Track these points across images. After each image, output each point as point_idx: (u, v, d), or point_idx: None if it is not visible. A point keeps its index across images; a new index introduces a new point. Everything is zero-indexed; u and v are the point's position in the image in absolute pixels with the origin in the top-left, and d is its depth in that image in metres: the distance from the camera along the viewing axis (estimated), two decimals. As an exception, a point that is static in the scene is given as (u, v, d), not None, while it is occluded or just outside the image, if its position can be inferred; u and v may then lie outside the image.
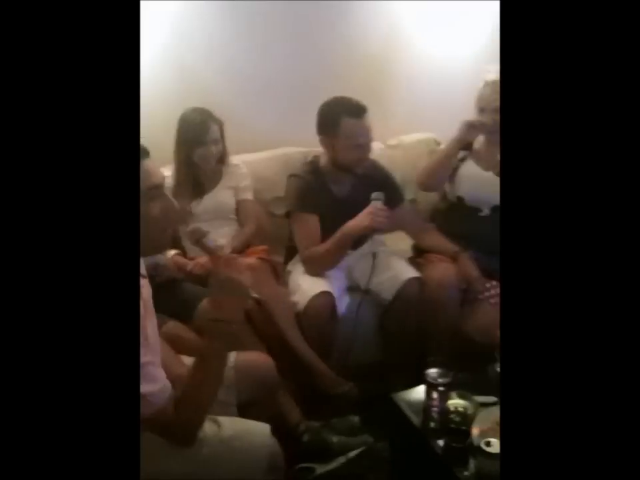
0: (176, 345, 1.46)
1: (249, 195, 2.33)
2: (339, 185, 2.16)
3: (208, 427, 1.15)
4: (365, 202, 1.96)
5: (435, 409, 1.44)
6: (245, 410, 1.40)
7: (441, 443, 1.37)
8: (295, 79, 2.57)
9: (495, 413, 1.35)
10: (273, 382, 1.55)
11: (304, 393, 1.87)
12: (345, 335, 2.02)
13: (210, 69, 2.45)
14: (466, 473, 1.28)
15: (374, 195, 1.93)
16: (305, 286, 2.01)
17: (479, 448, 1.28)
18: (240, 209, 2.32)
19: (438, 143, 2.66)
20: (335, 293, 1.99)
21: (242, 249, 2.21)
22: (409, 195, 2.60)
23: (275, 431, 1.26)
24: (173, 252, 2.04)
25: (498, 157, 2.01)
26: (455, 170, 2.23)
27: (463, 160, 2.23)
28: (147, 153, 1.14)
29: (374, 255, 1.92)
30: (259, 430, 1.23)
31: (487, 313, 2.01)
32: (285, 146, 2.55)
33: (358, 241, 2.15)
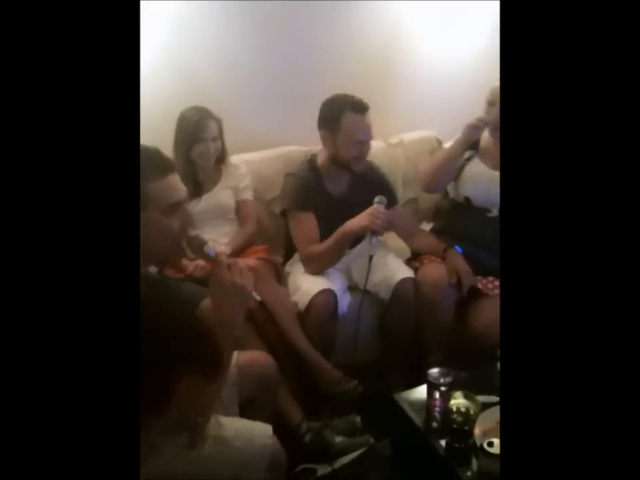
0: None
1: (248, 195, 2.33)
2: (335, 184, 2.16)
3: (210, 427, 1.15)
4: (361, 202, 1.97)
5: (437, 408, 1.44)
6: (247, 409, 1.40)
7: (443, 443, 1.37)
8: (296, 78, 2.56)
9: (497, 413, 1.35)
10: (274, 381, 1.55)
11: (305, 392, 1.86)
12: (345, 335, 2.02)
13: (210, 68, 2.44)
14: (468, 474, 1.27)
15: (377, 198, 1.93)
16: (305, 286, 2.00)
17: (481, 448, 1.28)
18: (240, 208, 2.31)
19: (439, 142, 2.65)
20: (335, 292, 1.99)
21: (242, 248, 2.20)
22: (409, 194, 2.61)
23: (276, 431, 1.25)
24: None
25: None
26: (461, 169, 2.21)
27: (469, 159, 2.21)
28: (171, 168, 1.16)
29: (370, 255, 1.91)
30: (261, 430, 1.23)
31: (495, 309, 2.00)
32: (286, 145, 2.54)
33: (355, 240, 2.15)
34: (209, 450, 1.12)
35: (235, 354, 1.41)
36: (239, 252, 2.17)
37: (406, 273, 2.10)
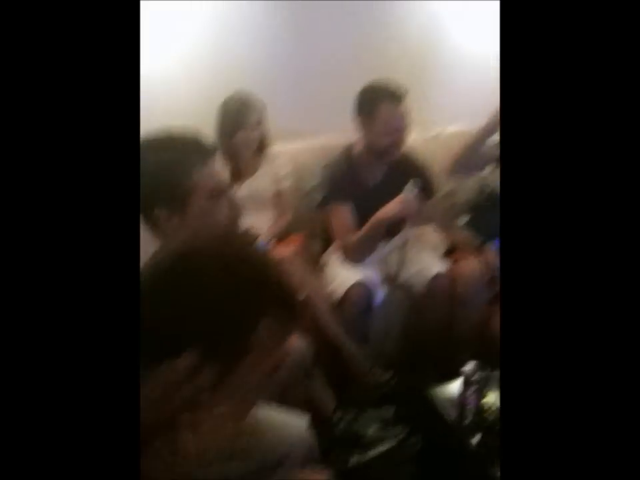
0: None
1: (287, 184, 2.34)
2: (371, 174, 2.16)
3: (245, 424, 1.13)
4: (397, 192, 1.96)
5: (470, 405, 1.45)
6: (280, 394, 1.42)
7: (475, 440, 1.38)
8: (336, 67, 2.56)
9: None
10: (308, 365, 1.57)
11: (339, 382, 1.89)
12: (379, 326, 2.04)
13: (250, 56, 2.45)
14: (499, 474, 1.28)
15: (409, 184, 1.93)
16: (341, 276, 2.02)
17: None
18: (278, 197, 2.33)
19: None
20: (370, 284, 2.00)
21: (279, 237, 2.23)
22: (445, 187, 2.60)
23: (310, 423, 1.27)
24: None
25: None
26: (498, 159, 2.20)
27: None
28: (213, 152, 1.17)
29: (405, 248, 1.92)
30: (297, 424, 1.24)
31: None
32: (326, 134, 2.54)
33: (391, 232, 2.15)
34: (245, 441, 1.09)
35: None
36: (276, 241, 2.20)
37: (440, 267, 2.10)
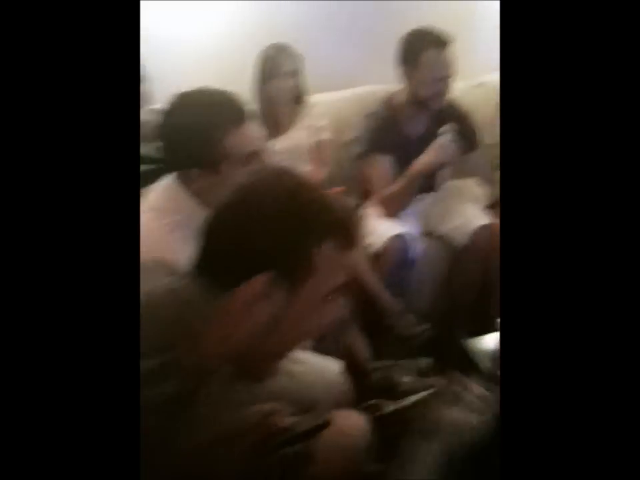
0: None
1: (326, 135, 2.31)
2: (413, 124, 2.12)
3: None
4: None
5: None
6: (319, 343, 1.44)
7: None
8: (376, 14, 2.50)
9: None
10: (345, 314, 1.58)
11: (376, 333, 1.90)
12: (417, 279, 2.03)
13: (289, 5, 2.41)
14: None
15: (441, 129, 1.89)
16: (380, 229, 2.01)
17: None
18: (316, 149, 2.30)
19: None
20: (409, 237, 1.99)
21: (318, 189, 2.22)
22: (489, 139, 2.52)
23: (344, 369, 1.29)
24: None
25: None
26: None
27: None
28: (249, 116, 1.17)
29: (446, 201, 1.89)
30: (331, 367, 1.26)
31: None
32: (366, 84, 2.49)
33: (432, 185, 2.12)
34: (276, 384, 1.11)
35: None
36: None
37: (484, 219, 2.06)
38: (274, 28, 2.32)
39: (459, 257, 2.10)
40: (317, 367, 1.24)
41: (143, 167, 1.96)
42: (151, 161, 1.99)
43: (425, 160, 1.93)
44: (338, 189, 2.20)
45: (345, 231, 0.78)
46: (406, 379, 1.68)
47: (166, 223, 1.17)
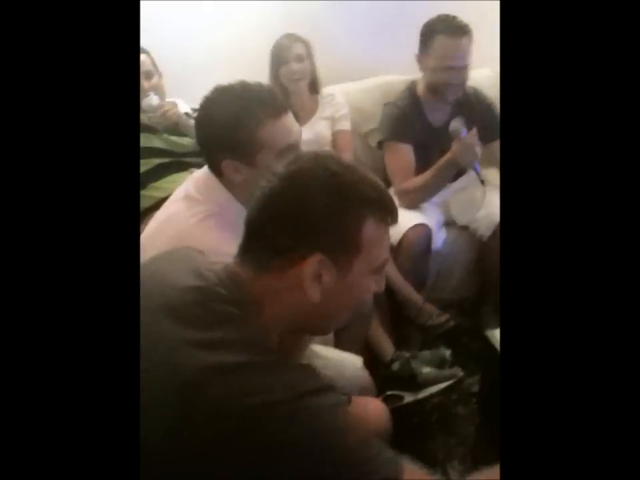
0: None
1: (345, 125, 2.29)
2: (436, 113, 2.08)
3: (304, 355, 1.15)
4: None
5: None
6: (340, 336, 1.44)
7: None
8: (397, 3, 2.46)
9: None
10: (367, 308, 1.58)
11: (396, 324, 1.90)
12: (439, 270, 2.01)
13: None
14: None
15: (452, 123, 1.87)
16: (400, 219, 1.99)
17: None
18: (336, 139, 2.29)
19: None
20: (431, 227, 1.97)
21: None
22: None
23: (365, 360, 1.29)
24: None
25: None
26: None
27: None
28: (285, 109, 1.17)
29: (469, 191, 1.86)
30: (352, 362, 1.26)
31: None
32: (385, 74, 2.46)
33: (455, 174, 2.09)
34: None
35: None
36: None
37: None
38: (291, 19, 2.32)
39: (482, 248, 2.07)
40: (338, 362, 1.24)
41: (156, 160, 2.00)
42: (164, 153, 2.03)
43: (451, 157, 1.89)
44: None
45: (385, 207, 0.81)
46: (426, 370, 1.68)
47: (197, 212, 1.18)
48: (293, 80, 2.17)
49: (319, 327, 0.88)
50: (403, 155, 2.05)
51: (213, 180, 1.22)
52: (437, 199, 2.10)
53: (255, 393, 0.66)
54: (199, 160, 1.78)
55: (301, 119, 2.23)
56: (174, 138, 2.05)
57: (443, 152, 1.93)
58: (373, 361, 1.48)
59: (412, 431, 1.55)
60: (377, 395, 1.46)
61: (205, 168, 1.26)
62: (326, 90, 2.30)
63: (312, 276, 0.75)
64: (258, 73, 1.97)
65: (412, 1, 2.39)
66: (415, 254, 1.92)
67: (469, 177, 2.12)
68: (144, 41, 1.93)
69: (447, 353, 1.75)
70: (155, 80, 2.02)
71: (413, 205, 2.03)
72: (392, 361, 1.72)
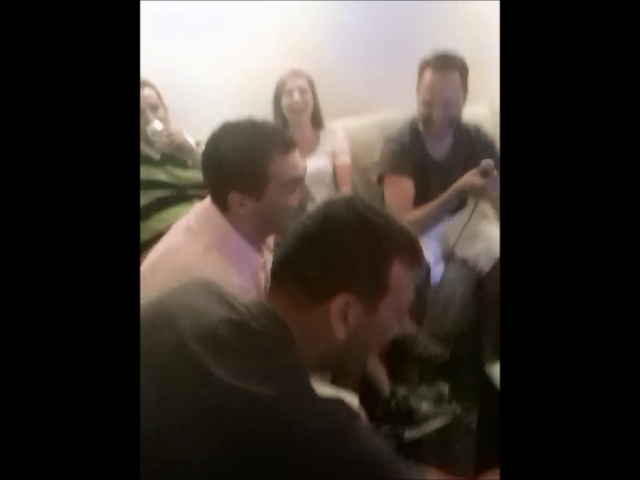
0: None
1: (346, 159, 2.33)
2: (437, 147, 2.09)
3: None
4: (464, 165, 1.91)
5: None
6: (336, 375, 1.43)
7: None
8: (395, 40, 2.52)
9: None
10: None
11: (393, 357, 1.89)
12: (438, 303, 2.01)
13: (310, 31, 2.46)
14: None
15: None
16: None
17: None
18: (337, 173, 2.33)
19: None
20: (429, 260, 1.97)
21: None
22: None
23: (362, 395, 1.28)
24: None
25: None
26: None
27: None
28: (293, 144, 1.21)
29: (469, 224, 1.86)
30: (349, 397, 1.25)
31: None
32: (385, 110, 2.51)
33: (455, 208, 2.11)
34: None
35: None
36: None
37: None
38: (294, 54, 2.37)
39: (482, 281, 2.07)
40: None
41: (158, 193, 2.02)
42: (167, 186, 2.05)
43: (457, 186, 1.89)
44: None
45: (413, 251, 0.84)
46: (424, 406, 1.66)
47: (200, 243, 1.20)
48: (294, 111, 2.21)
49: (344, 366, 0.92)
50: (402, 188, 2.05)
51: (215, 212, 1.24)
52: (435, 232, 2.11)
53: (289, 425, 0.68)
54: (201, 193, 1.80)
55: (303, 152, 2.25)
56: (177, 171, 2.07)
57: (444, 185, 1.94)
58: (369, 394, 1.46)
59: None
60: (375, 431, 1.45)
61: (207, 200, 1.29)
62: (327, 124, 2.33)
63: (339, 314, 0.77)
64: (261, 108, 2.01)
65: (413, 38, 2.46)
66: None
67: (469, 210, 2.13)
68: (150, 76, 2.00)
69: (445, 388, 1.74)
70: (160, 113, 2.05)
71: (419, 235, 2.02)
72: (390, 398, 1.71)
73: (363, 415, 1.25)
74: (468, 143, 2.08)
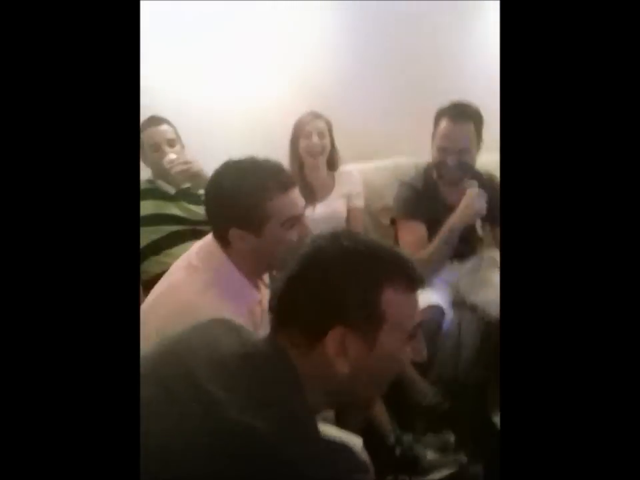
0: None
1: (360, 203, 2.35)
2: (452, 193, 2.11)
3: None
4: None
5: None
6: (340, 415, 1.41)
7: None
8: (410, 89, 2.58)
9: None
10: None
11: (399, 405, 1.85)
12: (447, 351, 1.98)
13: (326, 79, 2.52)
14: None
15: (467, 182, 1.90)
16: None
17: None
18: (350, 216, 2.34)
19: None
20: (443, 308, 1.95)
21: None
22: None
23: (366, 440, 1.26)
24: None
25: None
26: None
27: None
28: (293, 183, 1.24)
29: (480, 271, 1.85)
30: (352, 442, 1.23)
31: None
32: (397, 156, 2.55)
33: (465, 253, 2.10)
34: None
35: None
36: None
37: None
38: (310, 97, 2.42)
39: (492, 329, 2.05)
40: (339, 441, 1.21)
41: (171, 228, 2.03)
42: (180, 221, 2.06)
43: (455, 218, 1.91)
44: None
45: (405, 274, 0.82)
46: (429, 455, 1.63)
47: (197, 281, 1.22)
48: (312, 154, 2.22)
49: (351, 402, 0.91)
50: (416, 231, 2.05)
51: (216, 249, 1.27)
52: (447, 277, 2.10)
53: (291, 464, 0.68)
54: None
55: (319, 195, 2.28)
56: (191, 206, 2.10)
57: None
58: (373, 439, 1.44)
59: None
60: (378, 478, 1.41)
61: (209, 237, 1.32)
62: (343, 167, 2.35)
63: (337, 349, 0.77)
64: (277, 149, 2.03)
65: (430, 87, 2.50)
66: (426, 334, 1.89)
67: (479, 257, 2.13)
68: (168, 114, 2.05)
69: (451, 437, 1.71)
70: (177, 148, 2.09)
71: (428, 277, 2.01)
72: (395, 444, 1.67)
73: (367, 459, 1.23)
74: (482, 189, 2.09)
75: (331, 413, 1.38)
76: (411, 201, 2.08)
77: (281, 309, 0.83)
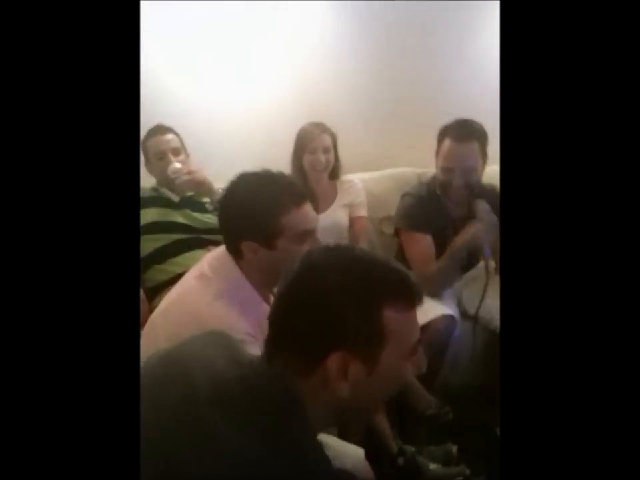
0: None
1: (363, 212, 2.35)
2: (456, 206, 2.11)
3: None
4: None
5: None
6: (342, 426, 1.41)
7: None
8: (414, 102, 2.58)
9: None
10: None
11: (401, 416, 1.85)
12: (451, 361, 1.98)
13: (330, 89, 2.53)
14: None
15: (476, 203, 1.90)
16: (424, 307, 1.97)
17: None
18: (353, 225, 2.34)
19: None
20: (455, 318, 1.94)
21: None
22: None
23: (369, 452, 1.25)
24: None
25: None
26: None
27: None
28: (304, 198, 1.25)
29: (486, 281, 1.85)
30: (353, 453, 1.22)
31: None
32: (400, 166, 2.55)
33: (469, 264, 2.09)
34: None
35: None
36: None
37: None
38: (313, 106, 2.42)
39: (494, 341, 2.04)
40: (339, 452, 1.20)
41: (175, 236, 2.04)
42: (185, 229, 2.07)
43: (465, 236, 1.91)
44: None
45: (404, 291, 0.79)
46: (432, 467, 1.62)
47: (208, 291, 1.23)
48: (317, 169, 2.22)
49: (351, 420, 0.86)
50: (423, 243, 2.04)
51: (228, 260, 1.28)
52: (450, 289, 2.09)
53: None
54: (218, 237, 1.82)
55: (321, 205, 2.27)
56: (195, 214, 2.10)
57: None
58: (375, 451, 1.43)
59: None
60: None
61: (222, 247, 1.32)
62: (345, 177, 2.35)
63: (336, 373, 0.74)
64: (279, 158, 2.04)
65: (433, 102, 2.52)
66: (434, 344, 1.89)
67: (481, 267, 2.12)
68: (174, 124, 2.06)
69: (454, 449, 1.70)
70: (182, 157, 2.09)
71: (436, 291, 2.00)
72: (397, 455, 1.66)
73: (369, 470, 1.23)
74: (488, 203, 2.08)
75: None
76: (416, 212, 2.08)
77: (275, 331, 0.80)
